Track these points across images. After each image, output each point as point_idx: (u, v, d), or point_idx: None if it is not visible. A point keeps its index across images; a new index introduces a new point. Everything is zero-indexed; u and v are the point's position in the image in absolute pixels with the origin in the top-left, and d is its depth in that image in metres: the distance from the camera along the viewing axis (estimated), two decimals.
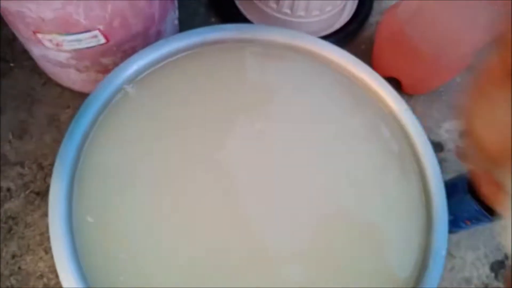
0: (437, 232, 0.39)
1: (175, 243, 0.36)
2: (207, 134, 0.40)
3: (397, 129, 0.44)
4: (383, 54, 0.58)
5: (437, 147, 0.57)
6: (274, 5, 0.56)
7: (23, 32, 0.42)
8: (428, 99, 0.60)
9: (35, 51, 0.46)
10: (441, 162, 0.55)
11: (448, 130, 0.59)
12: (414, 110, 0.45)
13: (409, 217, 0.40)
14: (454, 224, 0.46)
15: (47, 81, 0.53)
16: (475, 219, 0.44)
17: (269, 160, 0.40)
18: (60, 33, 0.40)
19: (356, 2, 0.62)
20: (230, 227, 0.37)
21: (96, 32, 0.41)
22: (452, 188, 0.45)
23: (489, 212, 0.42)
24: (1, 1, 0.38)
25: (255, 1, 0.57)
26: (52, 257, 0.43)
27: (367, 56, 0.61)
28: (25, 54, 0.54)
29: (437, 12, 0.48)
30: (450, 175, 0.54)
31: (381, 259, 0.38)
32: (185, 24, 0.59)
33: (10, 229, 0.46)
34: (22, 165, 0.49)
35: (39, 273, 0.45)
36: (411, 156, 0.43)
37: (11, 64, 0.54)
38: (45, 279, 0.45)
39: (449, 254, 0.51)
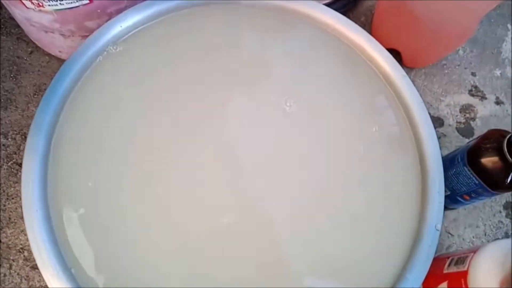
0: (432, 204, 0.37)
1: (156, 210, 0.34)
2: (192, 101, 0.38)
3: (394, 97, 0.42)
4: (383, 25, 0.55)
5: (437, 121, 0.55)
6: None
7: None
8: (429, 72, 0.58)
9: (17, 14, 0.44)
10: (440, 137, 0.53)
11: (448, 105, 0.56)
12: (414, 84, 0.43)
13: (405, 189, 0.38)
14: (452, 199, 0.44)
15: (34, 49, 0.52)
16: (475, 193, 0.42)
17: (264, 130, 0.39)
18: None
19: None
20: (221, 197, 0.36)
21: None
22: (451, 161, 0.43)
23: (490, 185, 0.40)
24: None
25: None
26: None
27: (366, 28, 0.59)
28: (12, 21, 0.52)
29: None
30: (451, 150, 0.52)
31: (376, 232, 0.36)
32: None
33: None
34: (5, 135, 0.48)
35: (20, 247, 0.44)
36: (408, 125, 0.41)
37: None
38: (26, 253, 0.44)
39: (447, 233, 0.49)
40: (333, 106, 0.41)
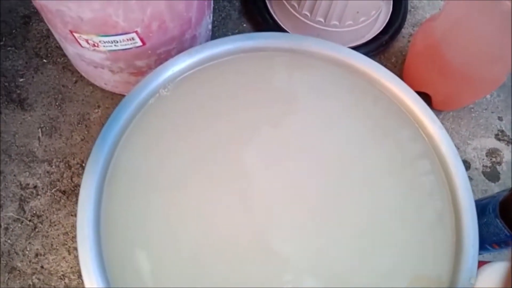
0: (466, 258, 0.38)
1: (196, 245, 0.36)
2: (232, 137, 0.40)
3: (429, 146, 0.43)
4: (415, 68, 0.57)
5: (464, 164, 0.56)
6: (308, 14, 0.55)
7: (60, 30, 0.43)
8: (457, 115, 0.59)
9: (70, 50, 0.46)
10: None
11: (475, 148, 0.58)
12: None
13: (439, 240, 0.40)
14: (481, 246, 0.45)
15: (79, 79, 0.54)
16: (504, 244, 0.43)
17: (289, 164, 0.40)
18: (97, 34, 0.40)
19: (389, 13, 0.61)
20: (245, 227, 0.37)
21: (133, 35, 0.41)
22: (482, 210, 0.44)
23: None
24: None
25: (288, 8, 0.57)
26: (74, 257, 0.44)
27: (397, 68, 0.61)
28: (59, 50, 0.55)
29: (476, 28, 0.47)
30: (477, 194, 0.53)
31: (410, 284, 0.37)
32: (218, 28, 0.59)
33: (35, 227, 0.47)
34: (50, 163, 0.50)
35: (61, 273, 0.45)
36: (443, 176, 0.42)
37: (44, 60, 0.54)
38: (66, 280, 0.45)
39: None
40: (365, 150, 0.42)
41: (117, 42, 0.41)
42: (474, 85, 0.53)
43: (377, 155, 0.42)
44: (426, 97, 0.56)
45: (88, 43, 0.42)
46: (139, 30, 0.40)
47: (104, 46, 0.42)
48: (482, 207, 0.45)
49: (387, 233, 0.39)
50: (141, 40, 0.42)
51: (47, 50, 0.55)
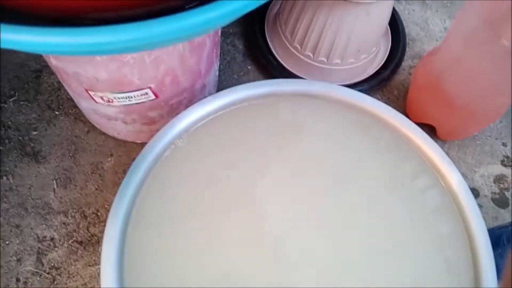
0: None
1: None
2: (245, 177, 0.41)
3: (437, 179, 0.44)
4: (418, 101, 0.58)
5: (473, 192, 0.57)
6: (310, 54, 0.57)
7: (74, 89, 0.44)
8: (463, 144, 0.60)
9: (84, 105, 0.48)
10: None
11: (482, 176, 0.59)
12: (448, 155, 0.45)
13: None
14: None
15: (91, 129, 0.55)
16: None
17: (301, 200, 0.41)
18: (112, 91, 0.42)
19: (388, 48, 0.63)
20: (264, 263, 0.38)
21: (147, 90, 0.42)
22: (496, 240, 0.45)
23: None
24: (58, 63, 0.40)
25: (291, 50, 0.59)
26: None
27: (400, 101, 0.62)
28: (70, 102, 0.56)
29: (474, 64, 0.49)
30: (488, 221, 0.54)
31: None
32: (224, 71, 0.60)
33: (53, 280, 0.47)
34: (65, 214, 0.50)
35: None
36: (456, 210, 0.43)
37: (56, 112, 0.56)
38: None
39: None
40: (376, 182, 0.43)
41: (131, 97, 0.43)
42: (477, 117, 0.55)
43: (384, 185, 0.43)
44: (430, 128, 0.58)
45: (103, 99, 0.43)
46: (153, 86, 0.42)
47: (118, 101, 0.43)
48: (496, 238, 0.45)
49: (402, 270, 0.40)
50: (155, 94, 0.43)
51: (59, 102, 0.57)
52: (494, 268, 0.40)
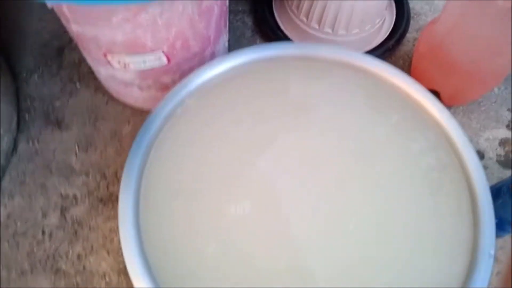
0: (484, 232, 0.41)
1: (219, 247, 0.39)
2: (252, 143, 0.43)
3: (441, 137, 0.46)
4: (422, 68, 0.60)
5: (478, 155, 0.59)
6: (316, 26, 0.59)
7: (94, 54, 0.48)
8: (467, 109, 0.61)
9: (103, 72, 0.51)
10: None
11: (487, 139, 0.60)
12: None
13: (457, 220, 0.42)
14: (500, 227, 0.47)
15: (110, 99, 0.59)
16: None
17: (309, 169, 0.43)
18: (128, 54, 0.45)
19: (393, 20, 0.65)
20: (270, 236, 0.40)
21: (160, 53, 0.45)
22: (497, 192, 0.46)
23: None
24: (79, 28, 0.44)
25: (298, 23, 0.61)
26: (113, 258, 0.48)
27: (405, 70, 0.64)
28: (90, 75, 0.60)
29: (474, 26, 0.50)
30: (493, 181, 0.55)
31: (431, 261, 0.40)
32: (233, 47, 0.63)
33: (75, 232, 0.51)
34: (87, 174, 0.54)
35: (102, 273, 0.49)
36: (456, 162, 0.45)
37: (78, 85, 0.60)
38: (107, 278, 0.49)
39: (495, 259, 0.51)
40: (382, 145, 0.45)
41: (145, 61, 0.46)
42: (479, 80, 0.56)
43: (387, 146, 0.45)
44: (434, 94, 0.59)
45: (119, 63, 0.47)
46: (165, 48, 0.45)
47: (134, 65, 0.47)
48: (497, 190, 0.47)
49: (406, 218, 0.41)
50: (167, 57, 0.46)
51: (80, 76, 0.61)
52: (492, 215, 0.42)
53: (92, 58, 0.50)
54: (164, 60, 0.47)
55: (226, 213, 0.40)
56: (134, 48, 0.44)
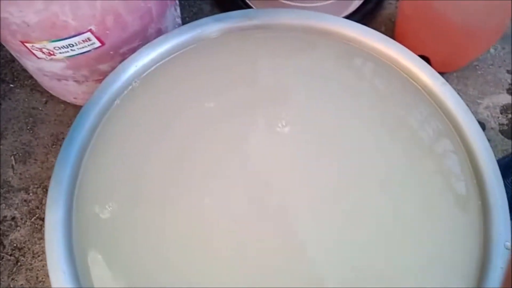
0: (496, 220, 0.33)
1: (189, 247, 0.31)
2: (215, 135, 0.35)
3: (435, 106, 0.39)
4: (407, 32, 0.52)
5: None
6: None
7: (12, 44, 0.39)
8: (462, 75, 0.54)
9: (29, 65, 0.43)
10: None
11: (487, 107, 0.52)
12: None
13: (461, 209, 0.34)
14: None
15: (49, 99, 0.50)
16: None
17: (290, 152, 0.35)
18: (49, 40, 0.37)
19: None
20: (253, 221, 0.33)
21: (89, 34, 0.37)
22: (505, 168, 0.39)
23: None
24: None
25: None
26: None
27: (388, 36, 0.56)
28: (25, 73, 0.51)
29: None
30: (497, 154, 0.48)
31: (437, 257, 0.32)
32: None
33: (17, 261, 0.43)
34: (26, 190, 0.46)
35: None
36: (455, 136, 0.37)
37: (11, 85, 0.51)
38: None
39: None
40: (374, 124, 0.37)
41: (73, 45, 0.38)
42: (473, 39, 0.49)
43: (384, 124, 0.38)
44: (424, 60, 0.51)
45: (43, 52, 0.38)
46: (93, 28, 0.37)
47: (60, 52, 0.38)
48: (505, 166, 0.39)
49: (410, 206, 0.34)
50: (99, 39, 0.38)
51: (13, 74, 0.52)
52: (505, 197, 0.34)
53: (14, 50, 0.41)
54: (96, 42, 0.38)
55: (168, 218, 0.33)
56: (54, 31, 0.36)
